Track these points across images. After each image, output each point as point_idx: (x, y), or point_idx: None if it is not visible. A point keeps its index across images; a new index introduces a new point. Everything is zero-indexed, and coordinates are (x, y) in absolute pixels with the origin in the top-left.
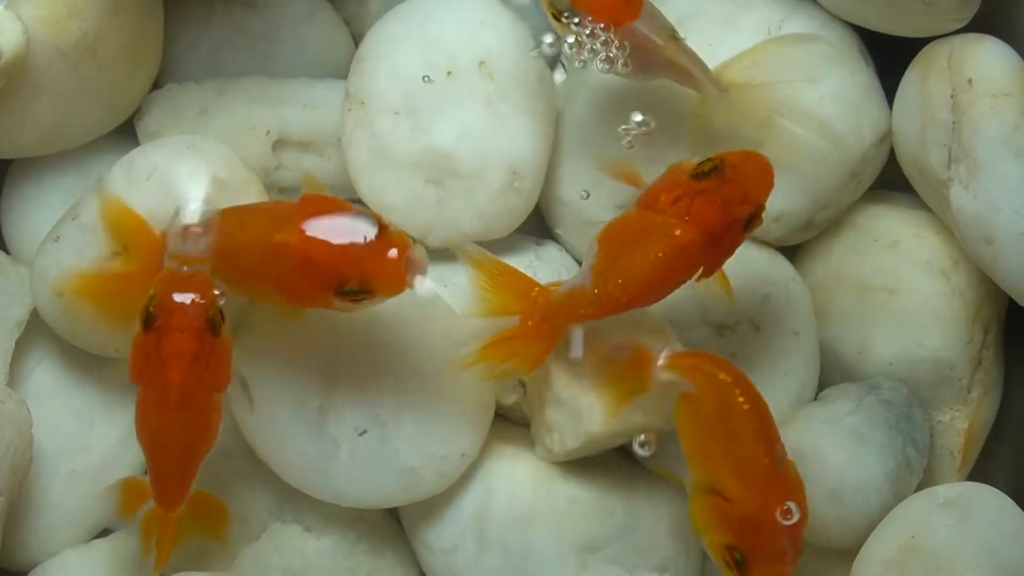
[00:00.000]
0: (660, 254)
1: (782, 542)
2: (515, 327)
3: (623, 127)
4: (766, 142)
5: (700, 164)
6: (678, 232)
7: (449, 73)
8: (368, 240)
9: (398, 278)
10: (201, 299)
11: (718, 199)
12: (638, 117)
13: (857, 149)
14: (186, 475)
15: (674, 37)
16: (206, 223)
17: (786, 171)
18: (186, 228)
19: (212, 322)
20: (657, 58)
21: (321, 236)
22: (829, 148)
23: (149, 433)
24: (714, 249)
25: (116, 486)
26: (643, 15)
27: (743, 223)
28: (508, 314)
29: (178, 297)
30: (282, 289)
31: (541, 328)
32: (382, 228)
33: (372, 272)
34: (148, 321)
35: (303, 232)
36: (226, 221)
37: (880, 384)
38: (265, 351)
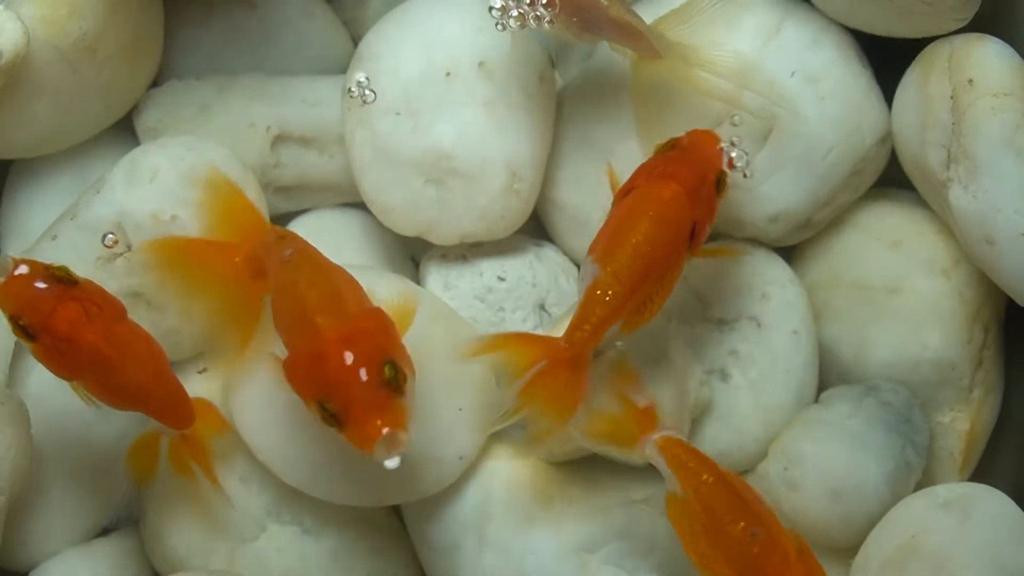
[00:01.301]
0: (652, 214)
1: None
2: (545, 364)
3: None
4: (705, 101)
5: (658, 146)
6: (661, 190)
7: (448, 74)
8: (377, 389)
9: (365, 442)
10: (41, 279)
11: (683, 160)
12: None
13: (857, 148)
14: (178, 390)
15: None
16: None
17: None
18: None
19: (62, 279)
20: (601, 17)
21: (351, 349)
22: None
23: (119, 393)
24: (697, 205)
25: (131, 450)
26: None
27: (713, 180)
28: (537, 361)
29: (27, 293)
30: (289, 352)
31: (572, 352)
32: (396, 388)
33: (352, 417)
34: (29, 333)
35: (341, 331)
36: (303, 271)
37: (880, 386)
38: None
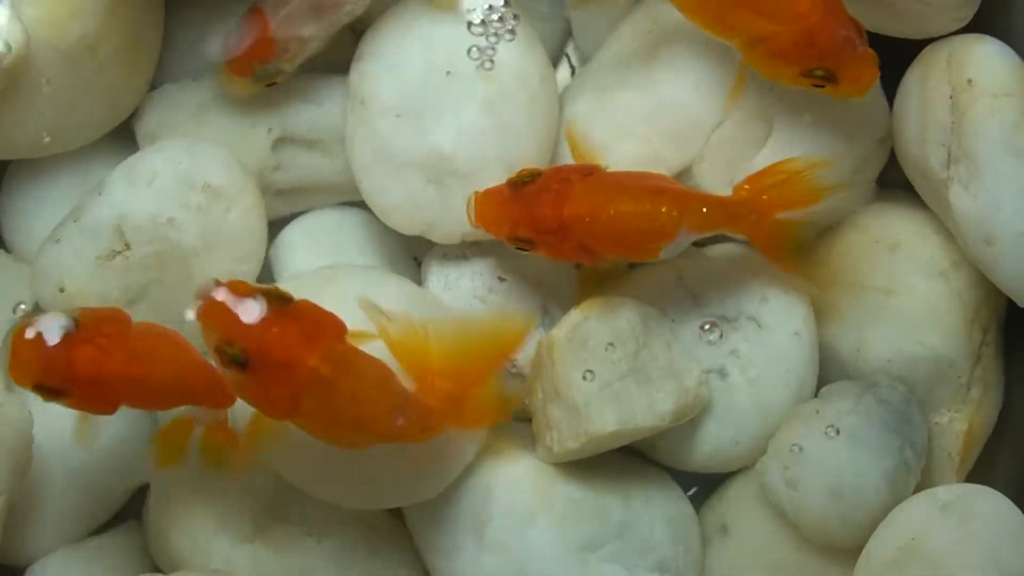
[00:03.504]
0: None
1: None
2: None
3: None
4: None
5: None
6: None
7: (448, 73)
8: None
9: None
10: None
11: None
12: None
13: (857, 149)
14: (209, 370)
15: None
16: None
17: None
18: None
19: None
20: None
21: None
22: None
23: (151, 397)
24: None
25: (162, 432)
26: None
27: None
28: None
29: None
30: None
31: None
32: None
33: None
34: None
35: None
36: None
37: (878, 383)
38: None
